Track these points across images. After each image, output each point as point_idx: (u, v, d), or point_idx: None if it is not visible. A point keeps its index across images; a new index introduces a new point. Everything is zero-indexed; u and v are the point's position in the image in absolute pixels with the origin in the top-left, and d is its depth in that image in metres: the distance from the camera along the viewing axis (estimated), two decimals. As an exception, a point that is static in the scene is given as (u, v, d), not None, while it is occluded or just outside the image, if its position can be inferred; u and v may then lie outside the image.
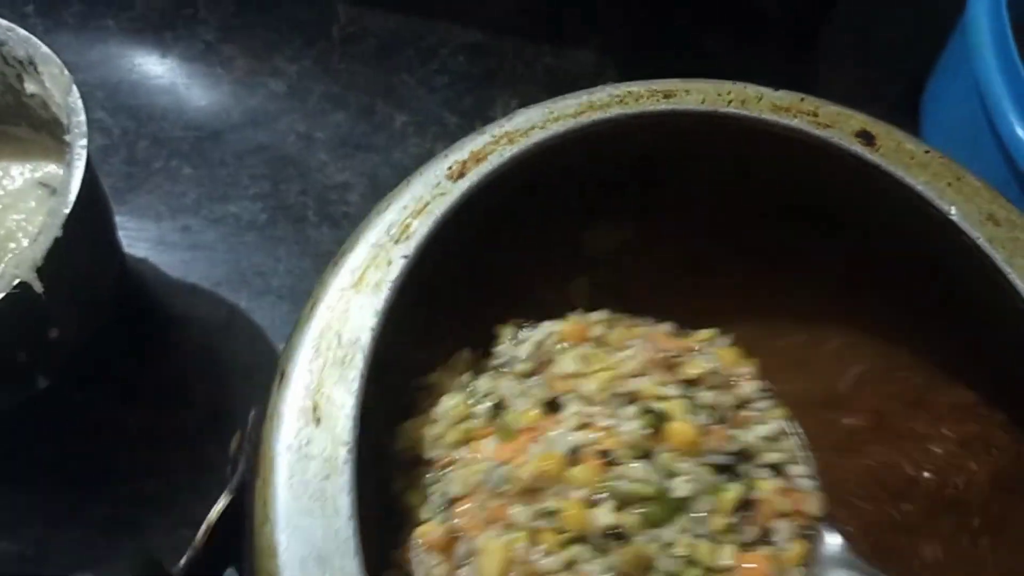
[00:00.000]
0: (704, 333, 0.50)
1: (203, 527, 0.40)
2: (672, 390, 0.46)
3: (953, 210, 0.43)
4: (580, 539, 0.41)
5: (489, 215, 0.48)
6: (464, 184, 0.46)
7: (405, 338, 0.46)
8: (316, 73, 0.74)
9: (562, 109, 0.49)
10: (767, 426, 0.47)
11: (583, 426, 0.45)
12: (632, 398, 0.45)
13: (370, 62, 0.74)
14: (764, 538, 0.44)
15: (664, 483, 0.43)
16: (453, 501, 0.45)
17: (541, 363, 0.49)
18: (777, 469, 0.46)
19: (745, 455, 0.45)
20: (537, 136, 0.48)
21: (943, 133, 0.49)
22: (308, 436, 0.38)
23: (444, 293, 0.50)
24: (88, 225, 0.52)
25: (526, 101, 0.50)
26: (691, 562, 0.42)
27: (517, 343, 0.49)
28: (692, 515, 0.43)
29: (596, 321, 0.50)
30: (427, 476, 0.46)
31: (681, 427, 0.44)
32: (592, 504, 0.42)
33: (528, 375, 0.48)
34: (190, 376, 0.61)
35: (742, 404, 0.47)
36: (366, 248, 0.44)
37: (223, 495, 0.40)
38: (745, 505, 0.44)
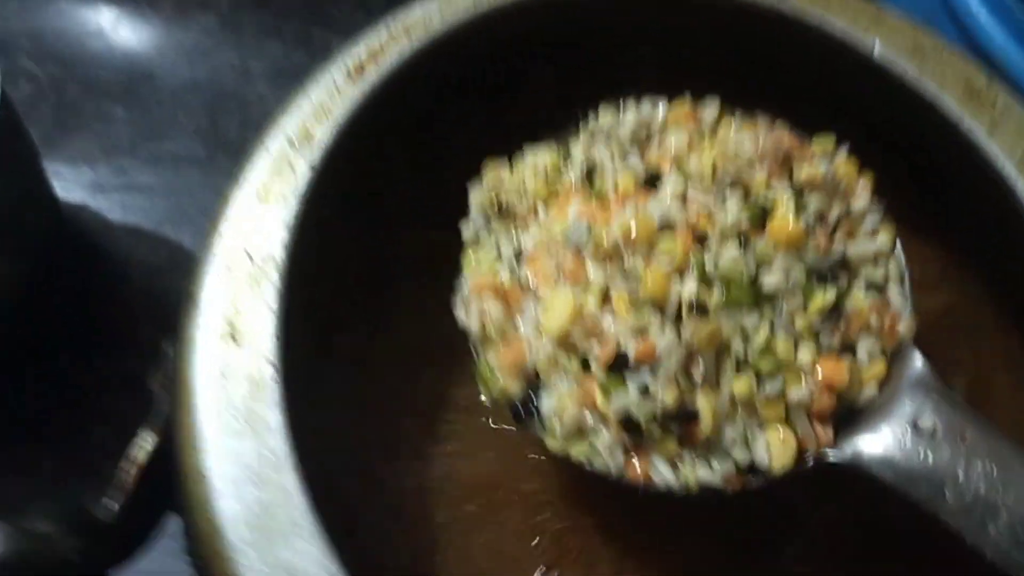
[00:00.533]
0: (824, 141, 0.46)
1: (127, 467, 0.39)
2: (780, 185, 0.43)
3: (877, 47, 0.45)
4: (655, 308, 0.39)
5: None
6: (365, 83, 0.45)
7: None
8: (248, 4, 0.72)
9: None
10: (873, 243, 0.43)
11: (681, 202, 0.42)
12: (738, 184, 0.42)
13: None
14: (847, 349, 0.41)
15: (755, 271, 0.40)
16: (524, 258, 0.43)
17: (643, 141, 0.46)
18: (875, 288, 0.43)
19: (845, 267, 0.42)
20: (436, 25, 0.47)
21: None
22: (228, 358, 0.37)
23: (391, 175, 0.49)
24: (9, 170, 0.50)
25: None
26: (767, 353, 0.39)
27: (619, 115, 0.46)
28: (778, 310, 0.40)
29: (706, 106, 0.47)
30: (499, 226, 0.44)
31: (784, 222, 0.41)
32: (675, 275, 0.40)
33: (627, 149, 0.45)
34: (136, 319, 0.59)
35: (852, 216, 0.44)
36: (268, 159, 0.43)
37: (146, 433, 0.39)
38: (834, 313, 0.41)
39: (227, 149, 0.66)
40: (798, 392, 0.39)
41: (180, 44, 0.70)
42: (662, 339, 0.38)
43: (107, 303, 0.59)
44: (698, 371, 0.38)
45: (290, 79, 0.46)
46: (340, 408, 0.45)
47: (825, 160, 0.44)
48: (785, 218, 0.41)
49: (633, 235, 0.40)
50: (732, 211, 0.41)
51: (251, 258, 0.40)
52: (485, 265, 0.43)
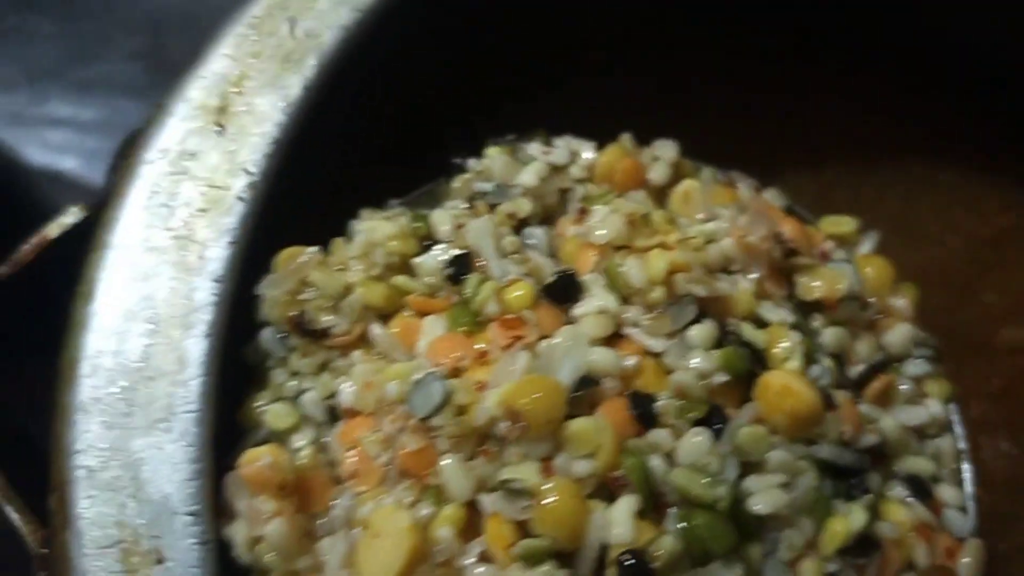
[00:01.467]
0: (839, 221, 0.29)
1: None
2: (777, 311, 0.26)
3: None
4: (557, 556, 0.22)
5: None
6: None
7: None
8: None
9: None
10: (921, 410, 0.27)
11: (611, 338, 0.25)
12: (707, 309, 0.25)
13: None
14: None
15: (732, 492, 0.23)
16: (340, 415, 0.26)
17: (548, 207, 0.29)
18: (920, 486, 0.26)
19: (877, 454, 0.26)
20: None
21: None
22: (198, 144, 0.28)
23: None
24: None
25: None
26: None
27: (510, 166, 0.29)
28: (769, 550, 0.23)
29: (657, 158, 0.30)
30: (304, 357, 0.26)
31: (786, 382, 0.24)
32: (597, 492, 0.22)
33: (522, 225, 0.28)
34: (51, 297, 0.46)
35: (889, 360, 0.27)
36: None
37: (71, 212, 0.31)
38: (861, 545, 0.24)
39: (173, 75, 0.53)
40: None
41: None
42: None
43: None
44: None
45: None
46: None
47: (845, 266, 0.28)
48: (791, 373, 0.24)
49: (519, 414, 0.22)
50: (699, 356, 0.24)
51: None
52: (273, 427, 0.25)
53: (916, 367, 0.28)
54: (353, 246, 0.27)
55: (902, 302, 0.28)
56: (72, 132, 0.54)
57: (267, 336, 0.27)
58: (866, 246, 0.30)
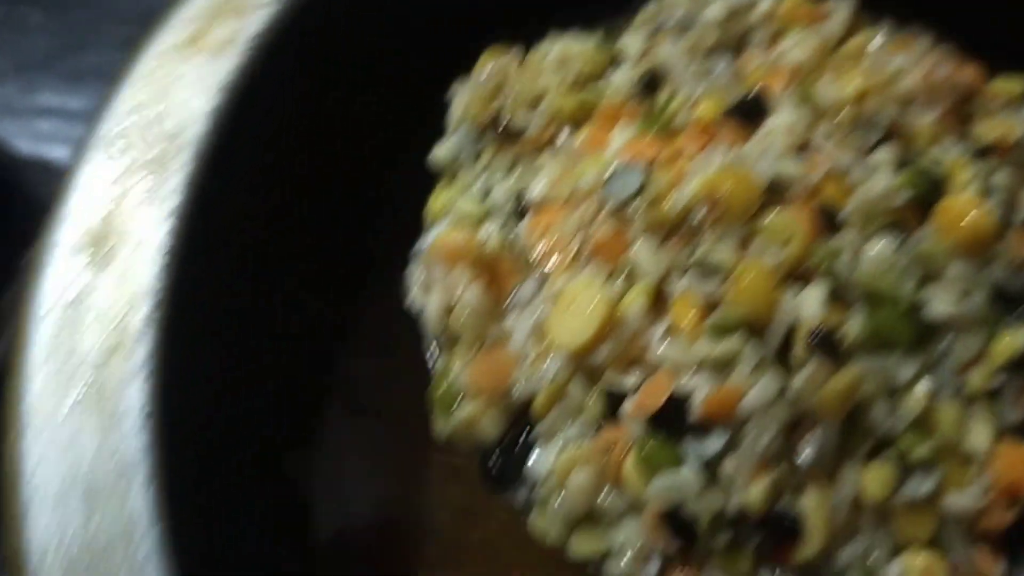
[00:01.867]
0: (1011, 82, 0.30)
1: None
2: (954, 148, 0.27)
3: None
4: (747, 331, 0.23)
5: None
6: None
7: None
8: None
9: None
10: None
11: (799, 150, 0.26)
12: (892, 134, 0.26)
13: None
14: None
15: (915, 290, 0.24)
16: (530, 211, 0.27)
17: (737, 40, 0.30)
18: None
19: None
20: None
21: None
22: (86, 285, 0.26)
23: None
24: None
25: None
26: (922, 427, 0.23)
27: (694, 1, 0.30)
28: (943, 357, 0.24)
29: (835, 10, 0.30)
30: (493, 153, 0.28)
31: (963, 206, 0.25)
32: (787, 279, 0.23)
33: (710, 51, 0.29)
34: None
35: None
36: None
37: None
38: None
39: None
40: (961, 498, 0.23)
41: None
42: (757, 386, 0.22)
43: (14, 255, 0.45)
44: (810, 450, 0.23)
45: None
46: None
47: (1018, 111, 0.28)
48: (968, 199, 0.25)
49: (718, 201, 0.23)
50: (885, 175, 0.25)
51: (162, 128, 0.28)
52: (464, 213, 0.27)
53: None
54: (548, 58, 0.28)
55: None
56: (61, 121, 0.53)
57: (459, 136, 0.29)
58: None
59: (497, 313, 0.26)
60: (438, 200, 0.28)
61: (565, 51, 0.28)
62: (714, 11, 0.29)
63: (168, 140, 0.27)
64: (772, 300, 0.23)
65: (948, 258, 0.25)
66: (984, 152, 0.28)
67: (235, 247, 0.29)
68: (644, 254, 0.24)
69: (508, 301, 0.26)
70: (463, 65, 0.30)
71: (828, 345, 0.22)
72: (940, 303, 0.24)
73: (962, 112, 0.28)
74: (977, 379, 0.25)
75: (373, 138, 0.33)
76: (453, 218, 0.27)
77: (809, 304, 0.23)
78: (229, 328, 0.30)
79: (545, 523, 0.25)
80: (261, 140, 0.29)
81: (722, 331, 0.23)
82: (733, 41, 0.30)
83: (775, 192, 0.25)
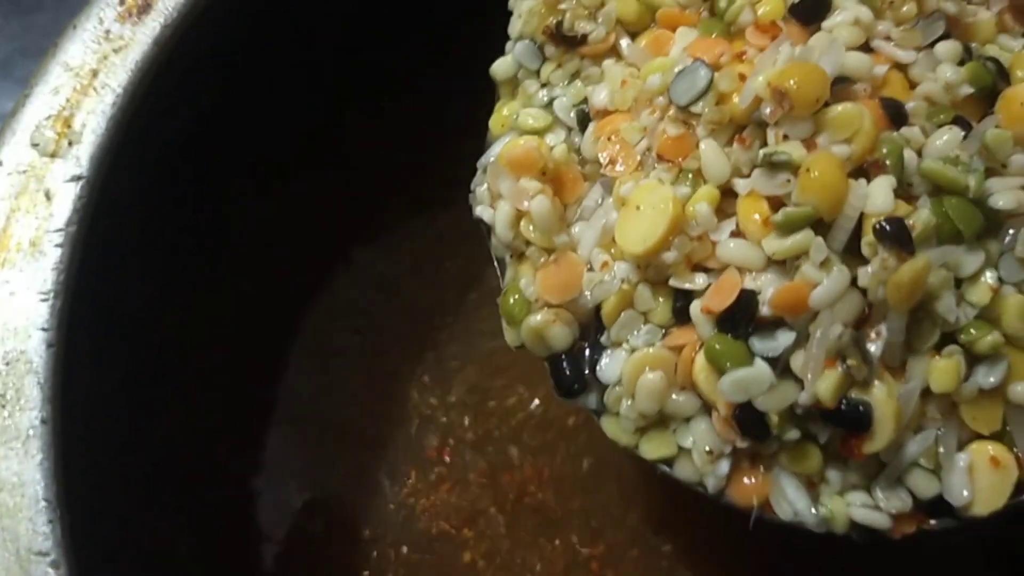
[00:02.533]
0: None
1: None
2: (1017, 41, 0.27)
3: None
4: (816, 224, 0.23)
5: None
6: (154, 24, 0.29)
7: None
8: None
9: None
10: None
11: (863, 46, 0.25)
12: (952, 30, 0.26)
13: None
14: None
15: (981, 180, 0.24)
16: (594, 119, 0.27)
17: None
18: None
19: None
20: None
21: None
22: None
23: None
24: None
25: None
26: (988, 319, 0.24)
27: None
28: (1008, 248, 0.24)
29: None
30: (556, 63, 0.28)
31: None
32: (854, 174, 0.24)
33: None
34: None
35: None
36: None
37: None
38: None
39: None
40: None
41: None
42: (825, 280, 0.23)
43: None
44: (878, 342, 0.23)
45: None
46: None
47: None
48: None
49: (786, 94, 0.23)
50: (948, 69, 0.25)
51: None
52: (528, 125, 0.27)
53: None
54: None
55: None
56: None
57: (521, 47, 0.29)
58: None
59: (565, 222, 0.26)
60: (501, 113, 0.28)
61: None
62: None
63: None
64: (841, 193, 0.23)
65: (1012, 149, 0.25)
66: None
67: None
68: (711, 154, 0.24)
69: (576, 210, 0.26)
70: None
71: (898, 234, 0.22)
72: (1005, 194, 0.24)
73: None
74: None
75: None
76: (518, 130, 0.27)
77: (878, 195, 0.23)
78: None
79: (616, 427, 0.25)
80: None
81: (790, 227, 0.23)
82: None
83: (840, 87, 0.25)
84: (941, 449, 0.24)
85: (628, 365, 0.25)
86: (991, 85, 0.25)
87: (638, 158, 0.25)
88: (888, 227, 0.23)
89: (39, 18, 0.54)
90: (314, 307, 0.39)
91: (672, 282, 0.24)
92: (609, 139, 0.26)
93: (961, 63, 0.26)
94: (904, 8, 0.26)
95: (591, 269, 0.25)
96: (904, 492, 0.24)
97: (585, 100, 0.27)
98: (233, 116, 0.33)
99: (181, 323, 0.33)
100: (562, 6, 0.27)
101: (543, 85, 0.28)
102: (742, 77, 0.24)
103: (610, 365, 0.25)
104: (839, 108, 0.24)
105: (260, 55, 0.33)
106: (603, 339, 0.25)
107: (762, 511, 0.25)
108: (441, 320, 0.41)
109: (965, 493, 0.24)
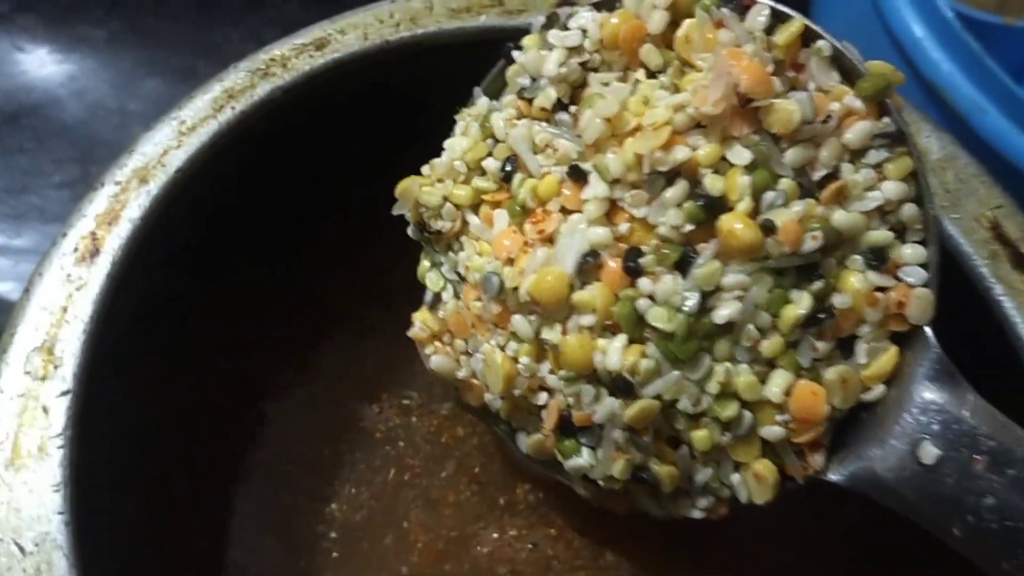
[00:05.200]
0: (789, 27, 0.34)
1: None
2: (740, 153, 0.33)
3: None
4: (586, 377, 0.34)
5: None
6: (104, 264, 0.35)
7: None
8: (127, 37, 0.63)
9: (195, 114, 0.39)
10: (874, 197, 0.33)
11: (609, 214, 0.34)
12: (677, 169, 0.33)
13: (189, 18, 0.64)
14: (839, 352, 0.34)
15: (685, 325, 0.32)
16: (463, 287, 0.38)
17: (575, 83, 0.36)
18: (877, 256, 0.33)
19: (835, 244, 0.33)
20: (176, 160, 0.38)
21: (836, 35, 0.35)
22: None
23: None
24: None
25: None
26: (726, 398, 0.33)
27: (538, 58, 0.36)
28: (738, 340, 0.33)
29: (654, 6, 0.35)
30: (436, 249, 0.39)
31: (731, 225, 0.32)
32: (605, 331, 0.34)
33: (553, 110, 0.36)
34: None
35: (853, 157, 0.33)
36: (4, 404, 0.33)
37: None
38: (818, 315, 0.33)
39: None
40: (772, 431, 0.34)
41: (50, 84, 0.61)
42: (598, 410, 0.34)
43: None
44: (646, 437, 0.34)
45: None
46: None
47: (799, 96, 0.33)
48: (738, 217, 0.32)
49: (536, 300, 0.34)
50: (672, 213, 0.33)
51: (22, 550, 0.31)
52: (431, 285, 0.39)
53: (875, 156, 0.33)
54: (439, 167, 0.37)
55: (858, 103, 0.33)
56: (7, 258, 0.56)
57: (411, 230, 0.39)
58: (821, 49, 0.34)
59: (466, 358, 0.38)
60: (423, 264, 0.40)
61: (451, 153, 0.37)
62: (549, 67, 0.35)
63: (35, 555, 0.31)
64: (587, 360, 0.33)
65: (722, 275, 0.32)
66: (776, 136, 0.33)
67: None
68: (519, 325, 0.35)
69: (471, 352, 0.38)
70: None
71: (623, 387, 0.33)
72: (723, 309, 0.32)
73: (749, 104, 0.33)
74: (770, 344, 0.33)
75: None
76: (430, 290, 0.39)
77: (611, 355, 0.33)
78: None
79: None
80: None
81: (570, 380, 0.34)
82: (577, 82, 0.36)
83: (589, 264, 0.33)
84: (722, 474, 0.35)
85: (529, 442, 0.38)
86: (707, 217, 0.32)
87: (486, 326, 0.36)
88: (615, 381, 0.33)
89: (20, 159, 0.60)
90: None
91: (528, 402, 0.36)
92: (471, 310, 0.37)
93: (689, 196, 0.33)
94: (629, 176, 0.33)
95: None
96: (709, 497, 0.36)
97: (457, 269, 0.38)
98: (183, 337, 0.41)
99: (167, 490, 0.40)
100: (420, 210, 0.37)
101: (435, 251, 0.39)
102: (520, 276, 0.34)
103: (521, 441, 0.38)
104: (579, 294, 0.33)
105: (197, 286, 0.41)
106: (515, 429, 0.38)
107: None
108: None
109: (745, 495, 0.35)
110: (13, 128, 0.60)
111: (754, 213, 0.32)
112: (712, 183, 0.32)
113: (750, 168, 0.32)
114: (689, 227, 0.32)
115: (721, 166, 0.33)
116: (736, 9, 0.34)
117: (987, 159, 0.41)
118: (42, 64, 0.62)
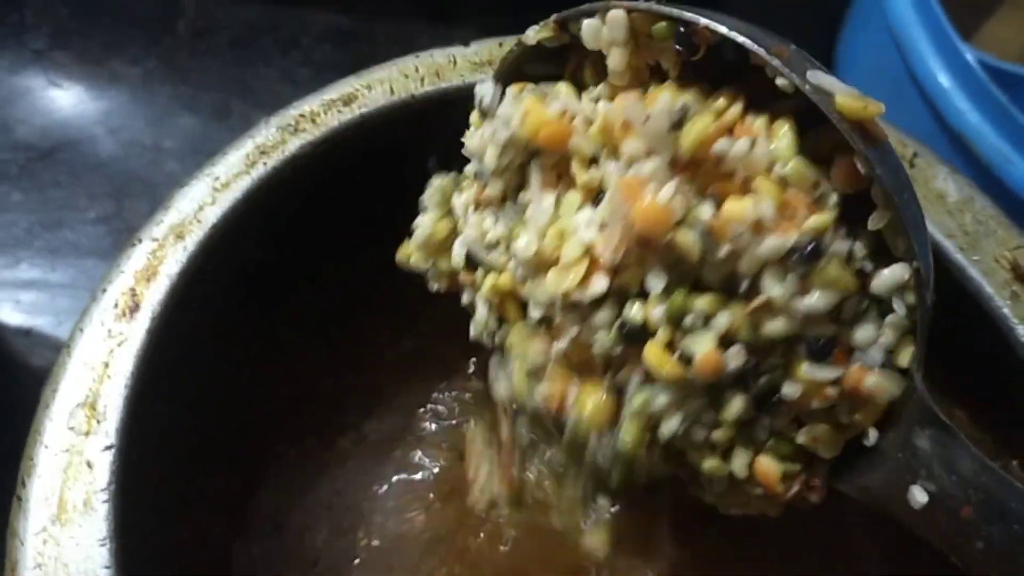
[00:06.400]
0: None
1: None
2: (657, 280, 0.32)
3: None
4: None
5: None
6: (143, 320, 0.36)
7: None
8: (162, 74, 0.64)
9: (228, 170, 0.39)
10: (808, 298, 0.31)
11: (553, 330, 0.35)
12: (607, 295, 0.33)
13: (223, 57, 0.65)
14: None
15: (635, 439, 0.33)
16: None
17: (517, 178, 0.36)
18: (826, 346, 0.32)
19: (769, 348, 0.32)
20: (212, 216, 0.38)
21: (862, 85, 0.31)
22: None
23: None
24: None
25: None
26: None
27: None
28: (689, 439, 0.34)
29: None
30: None
31: (652, 358, 0.32)
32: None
33: (504, 198, 0.36)
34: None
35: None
36: (49, 459, 0.33)
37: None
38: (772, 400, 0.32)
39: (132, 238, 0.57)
40: (755, 491, 0.34)
41: (85, 120, 0.62)
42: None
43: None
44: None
45: (205, 157, 0.41)
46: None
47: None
48: (656, 351, 0.32)
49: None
50: (600, 335, 0.33)
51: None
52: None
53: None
54: (415, 240, 0.39)
55: (769, 211, 0.30)
56: (43, 292, 0.57)
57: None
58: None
59: None
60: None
61: (421, 222, 0.38)
62: (488, 159, 0.35)
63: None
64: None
65: (655, 395, 0.32)
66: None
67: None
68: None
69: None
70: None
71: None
72: (664, 427, 0.33)
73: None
74: (720, 437, 0.33)
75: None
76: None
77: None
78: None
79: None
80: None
81: None
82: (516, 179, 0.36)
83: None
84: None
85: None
86: (634, 343, 0.32)
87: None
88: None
89: (55, 192, 0.60)
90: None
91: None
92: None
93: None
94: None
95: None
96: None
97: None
98: (221, 387, 0.42)
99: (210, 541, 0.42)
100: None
101: None
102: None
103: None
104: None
105: (233, 338, 0.42)
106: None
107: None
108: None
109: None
110: (48, 163, 0.61)
111: (674, 341, 0.32)
112: (633, 312, 0.32)
113: (668, 290, 0.31)
114: (619, 349, 0.32)
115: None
116: (686, 44, 0.32)
117: (1012, 208, 0.41)
118: (78, 101, 0.64)
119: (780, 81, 0.30)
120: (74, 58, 0.66)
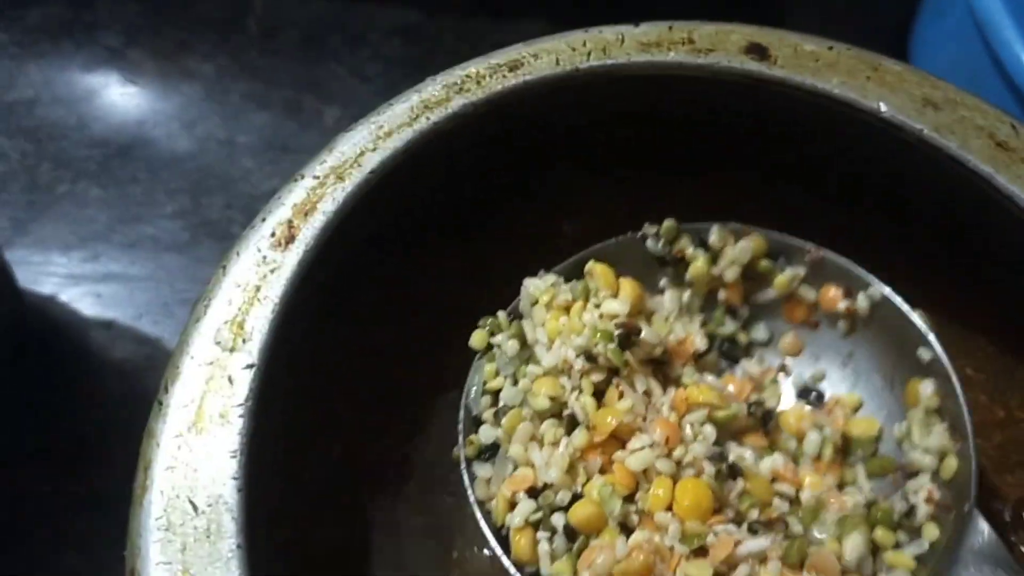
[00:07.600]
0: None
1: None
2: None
3: (883, 105, 0.37)
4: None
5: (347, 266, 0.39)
6: (297, 251, 0.36)
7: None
8: (234, 71, 0.64)
9: (392, 120, 0.39)
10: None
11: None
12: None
13: (293, 54, 0.65)
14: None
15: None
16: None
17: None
18: None
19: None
20: (371, 162, 0.38)
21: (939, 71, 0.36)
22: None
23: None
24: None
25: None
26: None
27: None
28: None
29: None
30: None
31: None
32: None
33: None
34: (109, 430, 0.52)
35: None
36: (193, 369, 0.34)
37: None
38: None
39: (211, 232, 0.59)
40: None
41: (160, 116, 0.63)
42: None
43: (77, 409, 0.53)
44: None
45: (278, 152, 0.41)
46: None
47: None
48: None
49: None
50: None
51: (195, 508, 0.32)
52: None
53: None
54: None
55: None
56: (122, 285, 0.57)
57: None
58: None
59: None
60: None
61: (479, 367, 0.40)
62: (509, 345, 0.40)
63: (208, 514, 0.32)
64: None
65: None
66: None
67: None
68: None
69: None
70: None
71: None
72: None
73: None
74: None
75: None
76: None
77: None
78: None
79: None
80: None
81: None
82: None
83: None
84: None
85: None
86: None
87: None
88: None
89: (133, 188, 0.61)
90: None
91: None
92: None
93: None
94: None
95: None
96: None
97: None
98: (363, 328, 0.42)
99: (328, 475, 0.42)
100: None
101: None
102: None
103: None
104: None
105: (380, 280, 0.42)
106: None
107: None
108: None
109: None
110: (126, 159, 0.62)
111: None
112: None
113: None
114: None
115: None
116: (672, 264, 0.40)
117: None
118: (153, 98, 0.64)
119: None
120: (148, 56, 0.66)
